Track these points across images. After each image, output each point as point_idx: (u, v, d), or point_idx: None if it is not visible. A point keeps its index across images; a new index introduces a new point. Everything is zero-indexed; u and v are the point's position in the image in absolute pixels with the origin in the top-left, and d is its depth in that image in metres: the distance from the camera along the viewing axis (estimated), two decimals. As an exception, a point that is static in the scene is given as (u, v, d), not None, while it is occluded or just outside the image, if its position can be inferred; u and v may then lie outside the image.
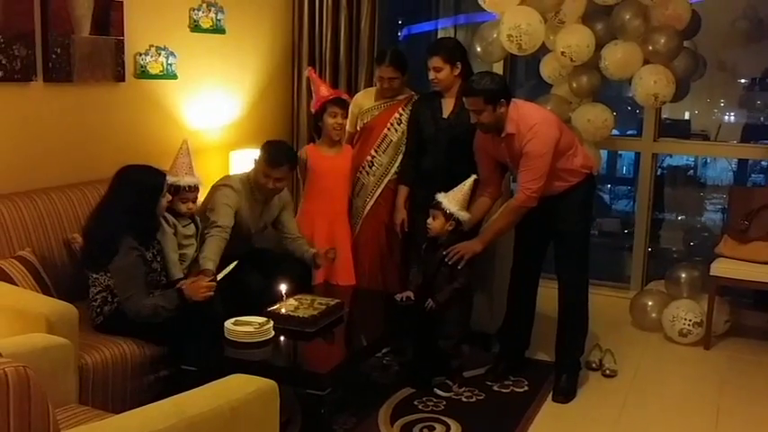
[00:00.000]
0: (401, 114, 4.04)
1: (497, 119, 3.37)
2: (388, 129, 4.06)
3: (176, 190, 3.38)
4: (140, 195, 3.10)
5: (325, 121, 3.95)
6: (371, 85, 4.34)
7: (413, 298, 3.52)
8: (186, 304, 3.01)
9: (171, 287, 3.13)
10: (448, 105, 3.81)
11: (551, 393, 3.59)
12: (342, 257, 3.95)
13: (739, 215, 4.30)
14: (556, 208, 3.50)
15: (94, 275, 3.08)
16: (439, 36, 6.92)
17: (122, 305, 3.00)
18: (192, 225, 3.49)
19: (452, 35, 6.88)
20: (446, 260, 3.45)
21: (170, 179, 3.32)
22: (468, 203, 3.52)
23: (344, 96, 4.07)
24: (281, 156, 3.59)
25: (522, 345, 3.88)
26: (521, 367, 3.83)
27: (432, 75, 3.76)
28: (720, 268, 4.19)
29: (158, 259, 3.19)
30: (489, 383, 3.68)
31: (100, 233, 3.05)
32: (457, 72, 3.75)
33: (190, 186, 3.44)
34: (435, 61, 3.73)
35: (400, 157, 4.05)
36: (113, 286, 3.03)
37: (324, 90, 4.03)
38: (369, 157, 4.07)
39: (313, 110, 4.08)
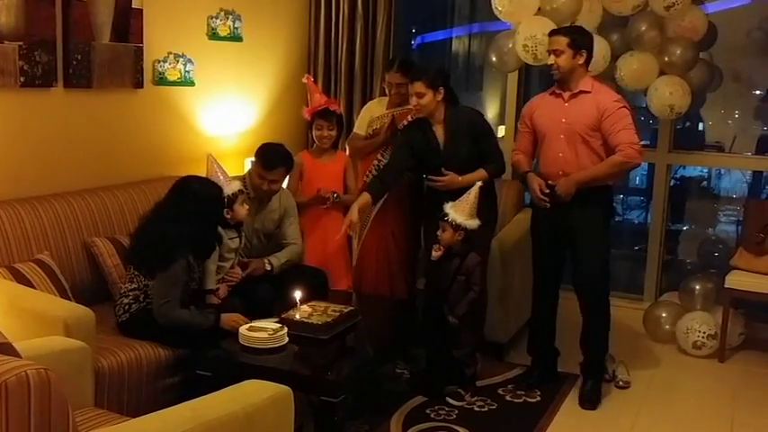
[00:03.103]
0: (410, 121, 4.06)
1: (572, 68, 3.44)
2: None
3: (229, 202, 3.41)
4: (205, 207, 3.15)
5: (313, 131, 4.06)
6: (386, 94, 4.36)
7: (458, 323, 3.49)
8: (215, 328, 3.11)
9: (201, 296, 3.21)
10: (440, 133, 3.70)
11: (578, 400, 3.61)
12: (339, 263, 4.03)
13: (755, 228, 4.28)
14: (579, 214, 3.49)
15: (136, 273, 3.11)
16: (454, 45, 6.94)
17: (155, 308, 3.03)
18: (237, 239, 3.52)
19: (467, 44, 6.91)
20: (555, 193, 3.44)
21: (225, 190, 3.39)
22: (477, 209, 3.50)
23: (334, 107, 4.09)
24: (275, 158, 3.68)
25: (552, 356, 3.87)
26: (552, 379, 3.82)
27: (414, 101, 3.60)
28: (735, 281, 4.17)
29: (200, 269, 3.23)
30: (519, 392, 3.69)
31: (159, 239, 3.06)
32: (440, 97, 3.62)
33: (241, 190, 3.49)
34: (417, 87, 3.56)
35: None
36: (152, 288, 3.06)
37: (316, 99, 4.08)
38: (375, 162, 4.10)
39: (306, 117, 4.18)
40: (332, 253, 4.06)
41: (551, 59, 3.47)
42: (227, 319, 3.15)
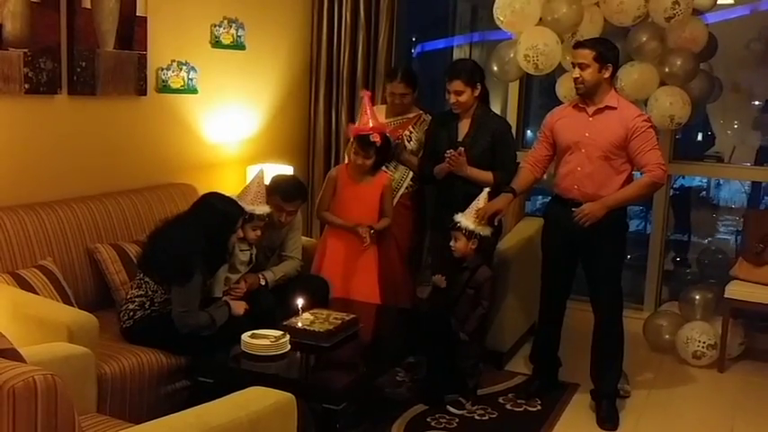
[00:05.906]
0: (411, 132, 4.07)
1: (597, 83, 3.36)
2: None
3: (249, 218, 3.42)
4: (219, 225, 3.17)
5: (351, 151, 3.90)
6: (386, 102, 4.37)
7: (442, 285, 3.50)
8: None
9: (207, 304, 3.20)
10: (464, 127, 3.79)
11: (596, 421, 3.53)
12: (366, 280, 3.92)
13: (755, 238, 4.29)
14: (594, 229, 3.39)
15: (147, 279, 3.12)
16: (455, 54, 6.96)
17: (174, 316, 3.05)
18: (249, 252, 3.53)
19: (468, 53, 6.93)
20: (579, 222, 3.35)
21: (245, 207, 3.39)
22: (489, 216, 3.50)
23: (376, 138, 3.75)
24: (295, 190, 3.69)
25: (554, 366, 3.86)
26: (553, 388, 3.81)
27: (453, 98, 3.70)
28: (735, 291, 4.18)
29: (210, 279, 3.25)
30: (520, 401, 3.68)
31: (176, 250, 3.07)
32: (477, 93, 3.73)
33: (262, 216, 3.50)
34: (457, 85, 3.67)
35: (411, 174, 4.08)
36: (173, 298, 3.07)
37: (362, 121, 3.84)
38: None
39: (348, 135, 4.02)
40: (355, 269, 3.93)
41: (576, 73, 3.38)
42: (237, 306, 3.28)
